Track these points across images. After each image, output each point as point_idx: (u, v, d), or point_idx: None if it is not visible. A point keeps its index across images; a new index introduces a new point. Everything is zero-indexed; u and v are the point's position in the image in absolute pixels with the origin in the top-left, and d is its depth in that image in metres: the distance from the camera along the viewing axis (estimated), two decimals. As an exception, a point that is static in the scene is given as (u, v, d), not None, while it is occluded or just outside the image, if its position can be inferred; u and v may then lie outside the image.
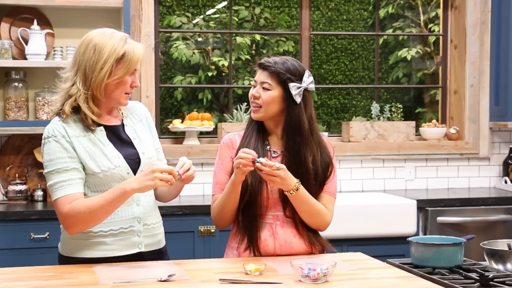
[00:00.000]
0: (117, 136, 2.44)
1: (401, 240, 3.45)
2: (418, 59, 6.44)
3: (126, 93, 2.40)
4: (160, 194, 2.58)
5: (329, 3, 6.78)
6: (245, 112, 4.49)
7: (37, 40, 3.92)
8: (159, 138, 2.94)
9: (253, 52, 6.44)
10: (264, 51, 6.39)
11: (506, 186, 4.61)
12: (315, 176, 2.52)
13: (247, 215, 2.51)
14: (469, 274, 2.23)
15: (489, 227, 4.12)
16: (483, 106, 4.71)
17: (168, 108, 6.26)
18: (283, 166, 2.39)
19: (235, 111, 4.53)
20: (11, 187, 3.96)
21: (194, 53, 6.12)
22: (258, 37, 6.37)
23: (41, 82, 4.05)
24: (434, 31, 5.89)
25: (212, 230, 3.80)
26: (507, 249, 2.37)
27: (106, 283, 2.09)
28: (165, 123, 4.81)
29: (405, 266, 2.35)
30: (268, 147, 2.56)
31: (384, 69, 6.82)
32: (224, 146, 2.61)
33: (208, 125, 4.45)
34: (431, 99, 6.19)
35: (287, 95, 2.49)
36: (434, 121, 4.83)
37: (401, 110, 4.75)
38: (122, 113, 2.51)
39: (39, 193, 3.98)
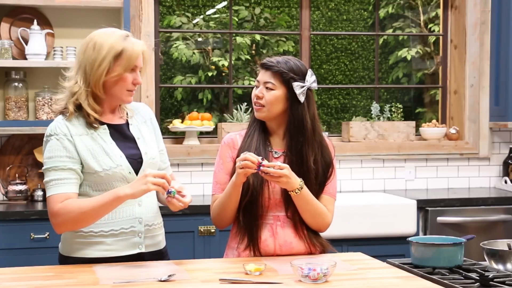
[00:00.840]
0: (121, 134, 2.44)
1: (401, 240, 3.45)
2: (418, 59, 6.44)
3: (128, 90, 2.40)
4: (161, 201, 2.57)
5: (329, 3, 6.77)
6: (245, 112, 4.49)
7: (37, 40, 3.92)
8: (159, 138, 2.94)
9: (253, 52, 6.44)
10: (264, 51, 6.39)
11: (506, 186, 4.61)
12: (316, 176, 2.52)
13: (247, 215, 2.51)
14: (469, 274, 2.23)
15: (489, 227, 4.12)
16: (483, 106, 4.71)
17: (168, 108, 6.26)
18: (287, 166, 2.39)
19: (235, 111, 4.53)
20: (11, 187, 3.96)
21: (194, 53, 6.12)
22: (258, 37, 6.37)
23: (41, 82, 4.05)
24: (434, 31, 5.89)
25: (212, 230, 3.80)
26: (507, 249, 2.37)
27: (106, 283, 2.09)
28: (165, 123, 4.81)
29: (405, 266, 2.35)
30: (269, 147, 2.55)
31: (384, 69, 6.82)
32: (225, 146, 2.60)
33: (208, 125, 4.45)
34: (431, 99, 6.19)
35: (290, 95, 2.49)
36: (434, 121, 4.83)
37: (401, 110, 4.75)
38: (127, 113, 2.51)
39: (39, 193, 3.98)
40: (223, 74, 6.20)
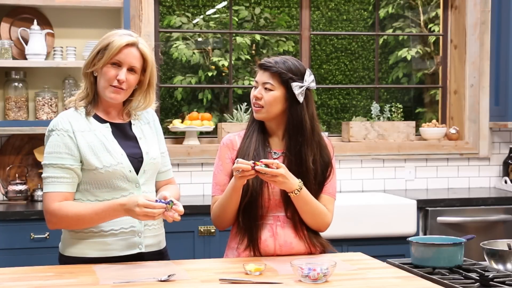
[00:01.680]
0: (123, 133, 2.45)
1: (401, 240, 3.45)
2: (418, 59, 6.44)
3: (112, 86, 2.37)
4: None
5: (329, 3, 6.77)
6: (245, 112, 4.49)
7: (37, 40, 3.92)
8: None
9: (253, 52, 6.44)
10: (264, 51, 6.39)
11: (506, 186, 4.61)
12: (315, 176, 2.51)
13: (247, 215, 2.50)
14: (469, 274, 2.23)
15: (489, 227, 4.12)
16: (483, 106, 4.71)
17: (168, 108, 6.26)
18: (283, 165, 2.39)
19: (235, 111, 4.53)
20: (11, 187, 3.96)
21: (194, 53, 6.12)
22: (258, 37, 6.37)
23: (41, 82, 4.05)
24: (434, 31, 5.88)
25: (212, 230, 3.80)
26: (507, 249, 2.37)
27: (106, 283, 2.09)
28: (165, 123, 4.81)
29: (405, 266, 2.35)
30: (268, 148, 2.55)
31: (384, 69, 6.82)
32: (224, 147, 2.60)
33: (208, 125, 4.45)
34: (431, 99, 6.19)
35: (289, 95, 2.49)
36: (434, 121, 4.83)
37: (401, 110, 4.75)
38: (130, 112, 2.50)
39: (39, 193, 3.98)
40: (223, 74, 6.19)
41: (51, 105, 3.99)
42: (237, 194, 2.45)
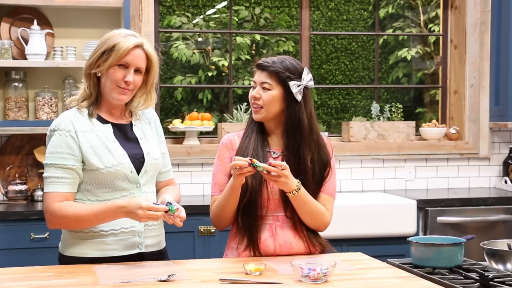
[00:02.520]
0: (124, 134, 2.45)
1: (401, 240, 3.45)
2: (418, 59, 6.44)
3: (119, 87, 2.38)
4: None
5: (329, 3, 6.77)
6: (245, 112, 4.49)
7: (37, 40, 3.92)
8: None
9: (253, 52, 6.44)
10: (264, 51, 6.39)
11: (506, 186, 4.61)
12: (313, 175, 2.51)
13: (247, 216, 2.50)
14: (469, 274, 2.23)
15: (489, 227, 4.12)
16: (483, 106, 4.71)
17: (168, 108, 6.26)
18: (287, 167, 2.39)
19: (235, 111, 4.53)
20: (11, 187, 3.96)
21: (194, 53, 6.12)
22: (258, 37, 6.37)
23: (41, 82, 4.05)
24: (434, 31, 5.89)
25: (212, 230, 3.80)
26: (507, 249, 2.37)
27: (106, 283, 2.09)
28: (165, 123, 4.81)
29: (405, 266, 2.35)
30: (267, 148, 2.55)
31: (384, 69, 6.82)
32: (223, 147, 2.60)
33: (208, 125, 4.45)
34: (431, 99, 6.19)
35: (287, 94, 2.49)
36: (434, 121, 4.83)
37: (401, 110, 4.75)
38: (132, 113, 2.50)
39: (39, 193, 3.98)
40: (223, 74, 6.20)
41: (51, 105, 3.99)
42: (236, 193, 2.45)
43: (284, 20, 6.50)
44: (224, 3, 6.17)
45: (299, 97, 2.49)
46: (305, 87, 2.51)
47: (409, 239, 2.39)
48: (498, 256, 2.33)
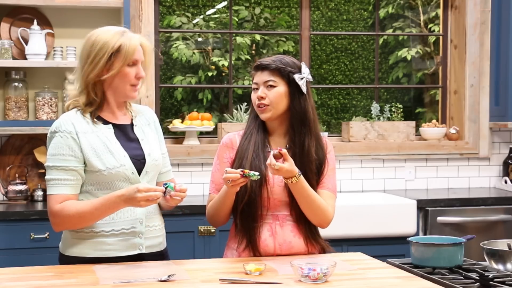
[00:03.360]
0: (125, 134, 2.45)
1: (401, 240, 3.45)
2: (418, 59, 6.44)
3: (132, 85, 2.40)
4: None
5: (329, 3, 6.78)
6: (245, 112, 4.49)
7: (37, 40, 3.92)
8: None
9: (253, 52, 6.44)
10: (264, 51, 6.39)
11: (506, 186, 4.61)
12: (317, 166, 2.53)
13: (246, 216, 2.50)
14: (469, 274, 2.23)
15: (489, 227, 4.12)
16: (483, 106, 4.71)
17: (168, 108, 6.26)
18: (289, 157, 2.38)
19: (235, 111, 4.53)
20: (11, 187, 3.96)
21: (194, 53, 6.13)
22: (258, 37, 6.37)
23: (41, 82, 4.05)
24: (434, 31, 5.89)
25: (212, 230, 3.80)
26: (507, 249, 2.37)
27: (106, 283, 2.09)
28: (165, 123, 4.81)
29: (405, 266, 2.35)
30: (268, 148, 2.55)
31: (384, 69, 6.82)
32: (223, 147, 2.61)
33: (208, 125, 4.45)
34: (431, 99, 6.19)
35: (292, 89, 2.51)
36: (434, 121, 4.83)
37: (401, 110, 4.75)
38: (132, 114, 2.51)
39: (39, 193, 3.98)
40: (223, 74, 6.20)
41: (51, 105, 3.99)
42: (230, 199, 2.46)
43: (284, 20, 6.50)
44: (224, 3, 6.17)
45: (304, 89, 2.51)
46: (306, 80, 2.53)
47: (409, 239, 2.39)
48: (498, 256, 2.33)
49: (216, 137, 4.56)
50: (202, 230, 3.80)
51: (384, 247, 3.92)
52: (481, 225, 4.12)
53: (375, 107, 4.72)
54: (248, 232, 2.50)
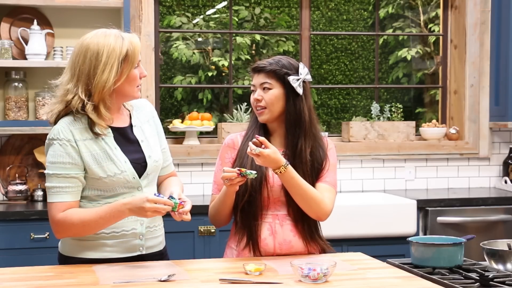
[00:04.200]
0: (125, 137, 2.42)
1: (401, 240, 3.45)
2: (418, 59, 6.44)
3: (137, 86, 2.40)
4: None
5: (329, 3, 6.78)
6: (245, 112, 4.49)
7: (37, 40, 3.92)
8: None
9: (253, 52, 6.44)
10: (264, 51, 6.39)
11: (506, 186, 4.61)
12: (312, 168, 2.52)
13: (246, 215, 2.51)
14: (469, 274, 2.23)
15: (489, 227, 4.12)
16: (483, 106, 4.71)
17: (168, 108, 6.26)
18: (271, 146, 2.38)
19: (235, 111, 4.53)
20: (11, 187, 3.96)
21: (194, 53, 6.13)
22: (258, 37, 6.37)
23: (41, 82, 4.05)
24: (434, 31, 5.89)
25: (212, 230, 3.80)
26: (507, 249, 2.37)
27: (106, 283, 2.09)
28: (165, 123, 4.81)
29: (405, 266, 2.35)
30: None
31: (384, 69, 6.82)
32: (225, 147, 2.62)
33: (208, 125, 4.45)
34: (431, 99, 6.19)
35: (287, 90, 2.51)
36: (434, 121, 4.83)
37: (401, 110, 4.75)
38: (130, 112, 2.49)
39: (39, 193, 3.98)
40: (223, 74, 6.20)
41: (48, 109, 3.98)
42: (230, 199, 2.47)
43: (284, 20, 6.50)
44: (224, 3, 6.17)
45: (300, 91, 2.51)
46: (304, 81, 2.53)
47: (409, 239, 2.39)
48: (498, 256, 2.32)
49: (216, 137, 4.56)
50: (202, 230, 3.80)
51: (384, 247, 3.92)
52: (481, 225, 4.12)
53: (375, 107, 4.72)
54: (248, 230, 2.50)
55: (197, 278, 2.17)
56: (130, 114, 2.50)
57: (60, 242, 2.49)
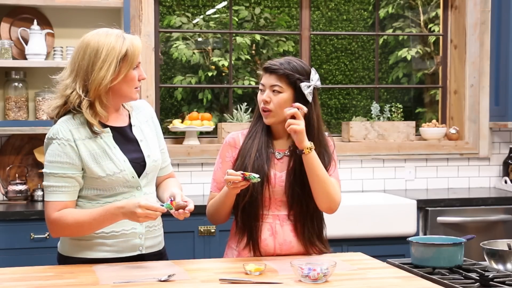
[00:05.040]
0: (124, 137, 2.43)
1: (401, 240, 3.45)
2: (418, 59, 6.44)
3: (135, 88, 2.39)
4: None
5: (329, 3, 6.78)
6: (245, 112, 4.49)
7: (37, 40, 3.92)
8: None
9: (253, 52, 6.44)
10: (264, 51, 6.39)
11: (506, 186, 4.61)
12: None
13: (247, 215, 2.51)
14: (469, 274, 2.23)
15: (489, 227, 4.12)
16: (483, 106, 4.71)
17: (168, 108, 6.26)
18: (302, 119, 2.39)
19: (235, 111, 4.53)
20: (11, 187, 3.96)
21: (194, 53, 6.13)
22: (258, 37, 6.37)
23: (41, 82, 4.05)
24: (434, 31, 5.89)
25: (212, 230, 3.80)
26: (507, 249, 2.37)
27: (106, 283, 2.09)
28: (165, 123, 4.81)
29: (405, 266, 2.35)
30: (271, 149, 2.54)
31: (384, 69, 6.82)
32: (226, 145, 2.60)
33: (208, 125, 4.45)
34: (431, 99, 6.19)
35: (297, 96, 2.47)
36: (434, 121, 4.83)
37: (401, 110, 4.75)
38: (129, 113, 2.49)
39: (39, 193, 3.98)
40: (223, 74, 6.20)
41: (48, 107, 3.98)
42: (230, 200, 2.46)
43: (284, 20, 6.50)
44: (224, 3, 6.17)
45: (310, 98, 2.48)
46: (314, 88, 2.50)
47: (409, 239, 2.39)
48: (498, 256, 2.33)
49: (216, 137, 4.56)
50: (202, 230, 3.80)
51: (384, 247, 3.92)
52: (481, 225, 4.12)
53: (375, 107, 4.72)
54: (249, 230, 2.50)
55: (197, 278, 2.17)
56: (129, 114, 2.50)
57: (59, 242, 2.49)
